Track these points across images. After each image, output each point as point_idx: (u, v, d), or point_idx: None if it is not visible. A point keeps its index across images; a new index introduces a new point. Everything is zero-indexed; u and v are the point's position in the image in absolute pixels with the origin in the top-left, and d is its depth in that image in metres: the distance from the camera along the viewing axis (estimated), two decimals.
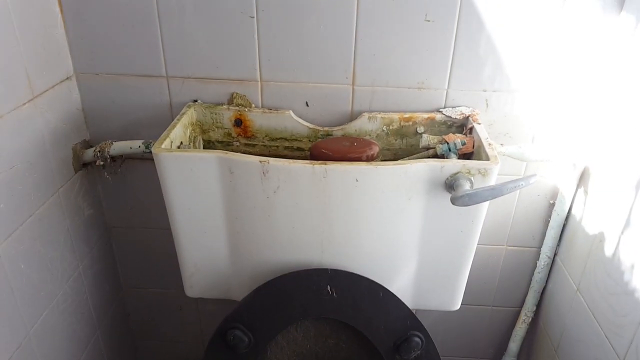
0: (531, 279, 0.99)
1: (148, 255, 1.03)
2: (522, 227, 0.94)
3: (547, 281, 0.97)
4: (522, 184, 0.64)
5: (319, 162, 0.66)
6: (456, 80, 0.80)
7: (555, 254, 0.94)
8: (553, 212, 0.90)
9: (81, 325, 0.90)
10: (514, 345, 1.03)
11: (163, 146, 0.69)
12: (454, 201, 0.64)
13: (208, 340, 0.77)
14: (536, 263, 0.97)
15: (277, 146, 0.85)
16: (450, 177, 0.67)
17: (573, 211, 0.88)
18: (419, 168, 0.66)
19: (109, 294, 1.01)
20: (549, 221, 0.92)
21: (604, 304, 0.78)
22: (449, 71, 0.80)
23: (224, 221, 0.73)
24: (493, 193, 0.63)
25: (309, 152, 0.84)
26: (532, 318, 1.01)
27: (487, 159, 0.68)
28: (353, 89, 0.82)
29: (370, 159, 0.73)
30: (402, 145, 0.84)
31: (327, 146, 0.73)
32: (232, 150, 0.86)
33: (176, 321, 1.10)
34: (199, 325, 1.10)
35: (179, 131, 0.76)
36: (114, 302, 1.03)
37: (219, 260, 0.77)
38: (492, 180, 0.68)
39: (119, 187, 0.94)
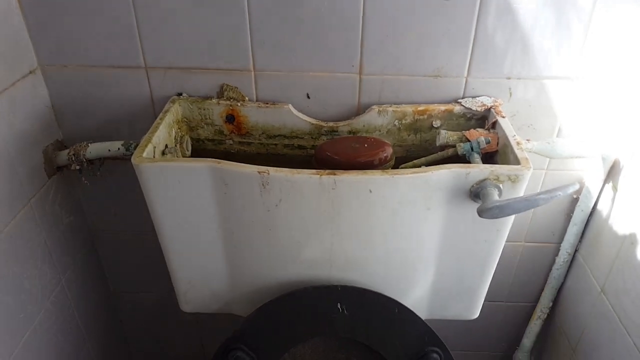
0: (548, 275, 0.93)
1: (138, 258, 0.95)
2: (542, 223, 0.87)
3: (565, 278, 0.91)
4: (559, 194, 0.56)
5: (327, 171, 0.57)
6: (477, 66, 0.71)
7: (575, 251, 0.88)
8: (576, 208, 0.83)
9: (69, 341, 0.83)
10: (527, 341, 0.98)
11: (145, 154, 0.60)
12: (481, 213, 0.56)
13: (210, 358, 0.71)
14: (555, 259, 0.90)
15: (275, 144, 0.76)
16: (476, 184, 0.59)
17: (599, 207, 0.81)
18: (441, 176, 0.58)
19: (98, 303, 0.93)
20: (571, 217, 0.85)
21: (634, 309, 0.72)
22: (469, 56, 0.70)
23: (220, 236, 0.65)
24: (527, 205, 0.55)
25: (311, 150, 0.76)
26: (548, 315, 0.95)
27: (517, 161, 0.60)
28: (360, 78, 0.72)
29: (383, 162, 0.64)
30: (415, 141, 0.75)
31: (333, 149, 0.64)
32: (225, 150, 0.77)
33: (173, 326, 1.03)
34: (196, 326, 1.04)
35: (163, 133, 0.67)
36: (103, 311, 0.96)
37: (216, 276, 0.69)
38: (523, 187, 0.60)
39: (100, 189, 0.85)
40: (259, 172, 0.57)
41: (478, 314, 0.75)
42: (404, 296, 0.68)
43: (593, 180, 0.79)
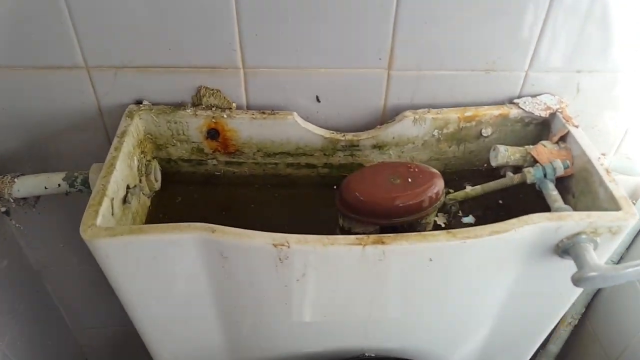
0: None
1: (98, 287, 0.76)
2: None
3: None
4: None
5: (372, 238, 0.40)
6: (543, 57, 0.53)
7: (620, 258, 0.77)
8: None
9: None
10: (554, 347, 0.89)
11: (99, 220, 0.41)
12: (578, 283, 0.41)
13: None
14: None
15: (275, 163, 0.58)
16: (567, 239, 0.43)
17: None
18: (526, 233, 0.42)
19: (58, 347, 0.76)
20: None
21: None
22: (534, 44, 0.52)
23: (215, 310, 0.47)
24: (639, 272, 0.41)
25: (324, 169, 0.58)
26: (579, 320, 0.86)
27: (611, 201, 0.45)
28: (389, 74, 0.54)
29: (434, 201, 0.47)
30: (457, 153, 0.58)
31: (365, 188, 0.47)
32: (207, 172, 0.58)
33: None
34: None
35: (122, 170, 0.47)
36: (66, 354, 0.79)
37: (211, 350, 0.53)
38: (621, 238, 0.45)
39: (40, 222, 0.64)
40: (274, 245, 0.39)
41: None
42: (451, 357, 0.55)
43: None
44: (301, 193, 0.59)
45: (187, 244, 0.40)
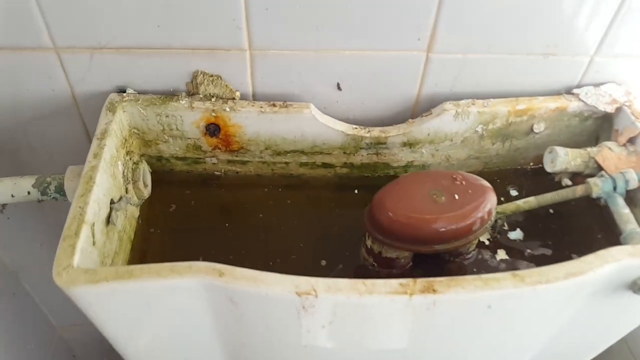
0: None
1: None
2: None
3: None
4: None
5: (420, 284, 0.32)
6: (614, 38, 0.44)
7: None
8: None
9: None
10: None
11: (77, 258, 0.32)
12: None
13: None
14: None
15: (286, 162, 0.49)
16: None
17: None
18: (602, 275, 0.34)
19: (42, 345, 0.70)
20: None
21: None
22: (607, 23, 0.43)
23: (219, 347, 0.40)
24: None
25: (343, 170, 0.49)
26: None
27: None
28: (427, 57, 0.44)
29: (484, 223, 0.39)
30: (500, 151, 0.50)
31: (401, 209, 0.38)
32: (205, 171, 0.49)
33: None
34: None
35: (103, 183, 0.38)
36: (52, 350, 0.72)
37: None
38: None
39: (12, 225, 0.55)
40: (298, 294, 0.31)
41: None
42: None
43: None
44: (315, 196, 0.50)
45: (187, 289, 0.32)
